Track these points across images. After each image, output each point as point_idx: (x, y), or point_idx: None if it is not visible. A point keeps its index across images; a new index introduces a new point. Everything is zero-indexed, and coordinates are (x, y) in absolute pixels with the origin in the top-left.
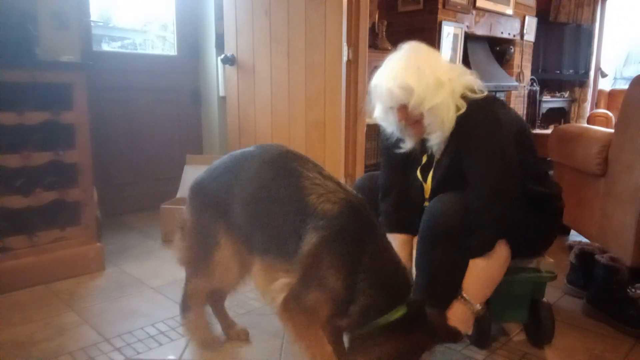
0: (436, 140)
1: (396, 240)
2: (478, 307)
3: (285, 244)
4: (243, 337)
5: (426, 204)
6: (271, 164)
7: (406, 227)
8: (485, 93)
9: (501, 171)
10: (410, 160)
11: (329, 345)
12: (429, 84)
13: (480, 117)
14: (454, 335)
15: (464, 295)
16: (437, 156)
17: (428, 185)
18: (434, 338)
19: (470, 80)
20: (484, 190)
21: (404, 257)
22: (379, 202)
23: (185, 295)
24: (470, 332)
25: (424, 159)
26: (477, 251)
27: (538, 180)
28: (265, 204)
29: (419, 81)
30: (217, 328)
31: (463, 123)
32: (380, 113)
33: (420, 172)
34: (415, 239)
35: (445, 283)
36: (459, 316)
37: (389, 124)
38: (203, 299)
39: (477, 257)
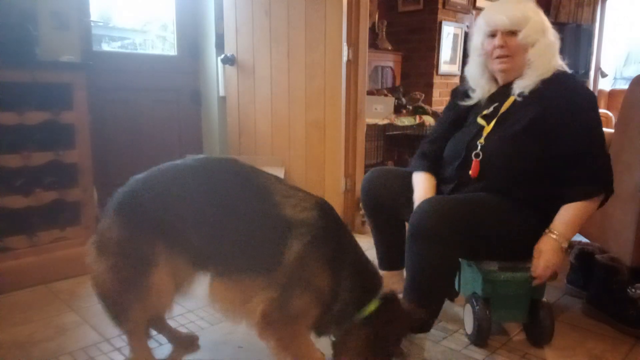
0: (529, 81)
1: (420, 176)
2: (566, 244)
3: (264, 260)
4: (195, 342)
5: (481, 141)
6: (230, 180)
7: (435, 173)
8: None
9: (601, 134)
10: (468, 117)
11: (318, 351)
12: (545, 25)
13: (581, 85)
14: (422, 323)
15: (554, 231)
16: (517, 98)
17: (489, 127)
18: (409, 325)
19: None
20: (592, 145)
21: (425, 190)
22: (422, 144)
23: (127, 333)
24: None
25: (486, 112)
26: (575, 197)
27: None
28: (233, 221)
29: (536, 16)
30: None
31: (562, 81)
32: (476, 44)
33: (482, 118)
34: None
35: (429, 282)
36: (549, 248)
37: (476, 64)
38: (143, 329)
39: (573, 202)
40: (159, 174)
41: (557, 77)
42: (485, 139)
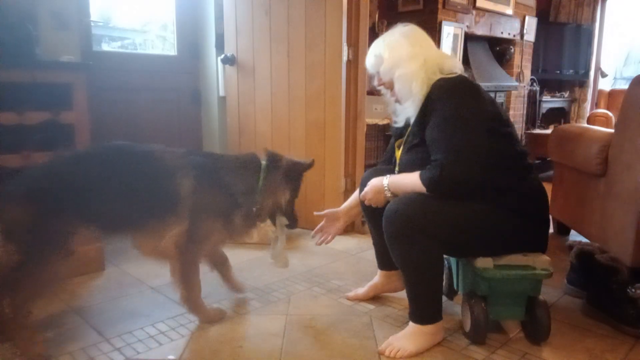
0: (410, 111)
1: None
2: (389, 194)
3: (166, 204)
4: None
5: (397, 168)
6: (123, 156)
7: None
8: (458, 74)
9: (453, 129)
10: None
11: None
12: (401, 55)
13: (439, 89)
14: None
15: (386, 180)
16: (412, 127)
17: (398, 153)
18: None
19: (447, 64)
20: (441, 146)
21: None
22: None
23: (13, 312)
24: (379, 205)
25: (400, 140)
26: (421, 176)
27: (511, 173)
28: (133, 186)
29: (391, 51)
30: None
31: (430, 96)
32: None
33: (398, 145)
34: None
35: (417, 279)
36: (374, 186)
37: (383, 92)
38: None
39: (419, 177)
40: (60, 161)
41: (426, 97)
42: (398, 164)
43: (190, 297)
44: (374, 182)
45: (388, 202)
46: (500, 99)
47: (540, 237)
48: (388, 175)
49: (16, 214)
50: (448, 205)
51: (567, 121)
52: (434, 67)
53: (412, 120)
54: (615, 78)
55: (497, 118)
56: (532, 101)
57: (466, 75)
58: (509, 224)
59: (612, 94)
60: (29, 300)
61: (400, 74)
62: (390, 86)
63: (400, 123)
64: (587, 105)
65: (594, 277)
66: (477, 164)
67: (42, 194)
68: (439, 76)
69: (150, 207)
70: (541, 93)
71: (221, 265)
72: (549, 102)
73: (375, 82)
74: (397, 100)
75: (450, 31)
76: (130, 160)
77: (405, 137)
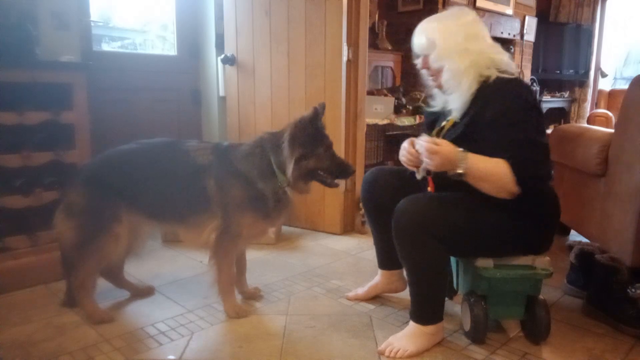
0: (455, 103)
1: None
2: (461, 170)
3: (198, 200)
4: (151, 292)
5: None
6: (164, 151)
7: None
8: (515, 75)
9: (524, 129)
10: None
11: (233, 268)
12: (455, 47)
13: (502, 92)
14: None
15: (464, 153)
16: (455, 120)
17: None
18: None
19: (502, 61)
20: (517, 145)
21: None
22: None
23: (77, 287)
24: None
25: (444, 124)
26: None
27: (536, 177)
28: (172, 180)
29: (445, 40)
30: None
31: (485, 94)
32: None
33: (436, 134)
34: None
35: (422, 279)
36: (447, 153)
37: (423, 74)
38: (94, 285)
39: (506, 164)
40: (114, 154)
41: (482, 95)
42: None
43: (219, 283)
44: (447, 149)
45: (450, 171)
46: None
47: (547, 240)
48: (464, 150)
49: (75, 196)
50: (458, 208)
51: (567, 121)
52: (487, 62)
53: (453, 112)
54: (615, 78)
55: (541, 128)
56: None
57: (520, 77)
58: (518, 227)
59: (612, 94)
60: (90, 275)
61: (450, 67)
62: (435, 73)
63: (436, 108)
64: (587, 105)
65: (594, 277)
66: (548, 162)
67: (96, 181)
68: (493, 72)
69: (184, 203)
70: (541, 93)
71: (237, 271)
72: (549, 102)
73: (419, 64)
74: (439, 87)
75: None
76: (168, 158)
77: (440, 127)
